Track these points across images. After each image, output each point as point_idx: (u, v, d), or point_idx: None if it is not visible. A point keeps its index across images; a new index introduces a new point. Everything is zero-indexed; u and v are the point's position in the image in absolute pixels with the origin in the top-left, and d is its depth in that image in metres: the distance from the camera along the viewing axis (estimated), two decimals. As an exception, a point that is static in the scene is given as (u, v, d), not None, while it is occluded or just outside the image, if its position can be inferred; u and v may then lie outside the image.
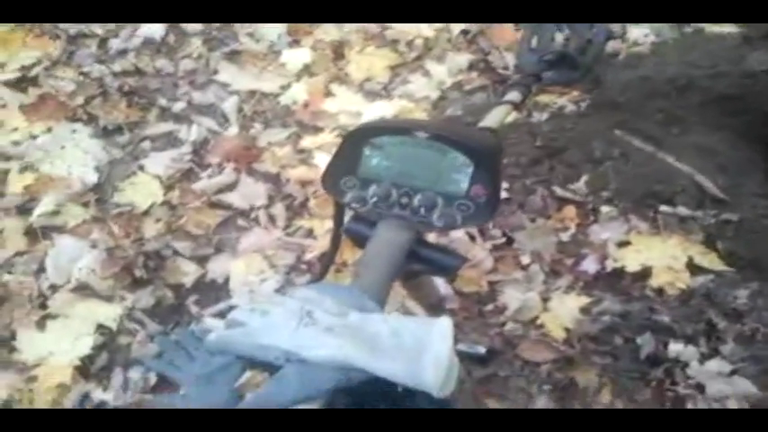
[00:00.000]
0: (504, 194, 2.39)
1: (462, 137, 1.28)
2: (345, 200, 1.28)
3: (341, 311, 1.04)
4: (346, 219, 1.34)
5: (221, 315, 2.18)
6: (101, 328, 2.13)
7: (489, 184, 1.23)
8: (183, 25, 2.92)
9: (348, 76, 2.78)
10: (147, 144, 2.58)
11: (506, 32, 2.87)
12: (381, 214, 1.26)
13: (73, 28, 2.89)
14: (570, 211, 2.36)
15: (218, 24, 2.94)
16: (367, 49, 2.86)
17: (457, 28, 2.90)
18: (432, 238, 2.07)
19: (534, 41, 2.75)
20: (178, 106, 2.69)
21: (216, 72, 2.80)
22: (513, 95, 2.33)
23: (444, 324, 1.03)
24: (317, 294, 1.07)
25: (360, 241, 1.28)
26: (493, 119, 2.17)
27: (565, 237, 2.31)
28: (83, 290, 2.20)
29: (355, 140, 1.29)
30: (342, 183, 1.28)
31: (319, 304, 1.05)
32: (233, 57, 2.85)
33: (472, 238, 2.31)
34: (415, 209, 1.24)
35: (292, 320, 1.02)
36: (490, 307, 2.18)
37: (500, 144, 1.53)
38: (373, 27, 2.91)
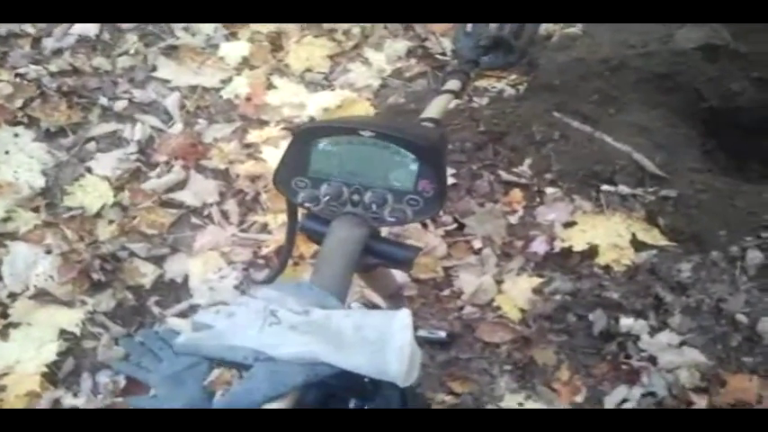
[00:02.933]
0: (451, 180, 2.47)
1: (406, 134, 1.32)
2: (298, 199, 1.32)
3: (304, 309, 1.09)
4: (301, 217, 1.37)
5: (183, 315, 2.25)
6: (64, 333, 2.17)
7: (435, 178, 1.27)
8: (117, 21, 2.96)
9: (288, 68, 2.84)
10: (92, 145, 2.61)
11: (442, 18, 2.94)
12: (335, 212, 1.30)
13: (3, 28, 2.87)
14: (516, 194, 2.46)
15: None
16: (305, 40, 2.91)
17: (392, 15, 2.95)
18: (385, 230, 2.17)
19: (469, 26, 2.84)
20: (120, 105, 2.72)
21: (155, 68, 2.84)
22: (453, 84, 2.40)
23: (404, 316, 1.08)
24: (279, 294, 1.11)
25: (316, 238, 1.32)
26: (435, 109, 2.24)
27: (513, 219, 2.41)
28: (42, 296, 2.24)
29: (303, 141, 1.32)
30: (293, 183, 1.32)
31: (282, 303, 1.09)
32: (170, 52, 2.89)
33: (424, 225, 2.39)
34: (367, 205, 1.29)
35: (257, 320, 1.07)
36: (447, 292, 2.27)
37: (443, 138, 1.59)
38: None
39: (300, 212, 1.38)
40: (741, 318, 2.13)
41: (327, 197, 1.29)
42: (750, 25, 2.72)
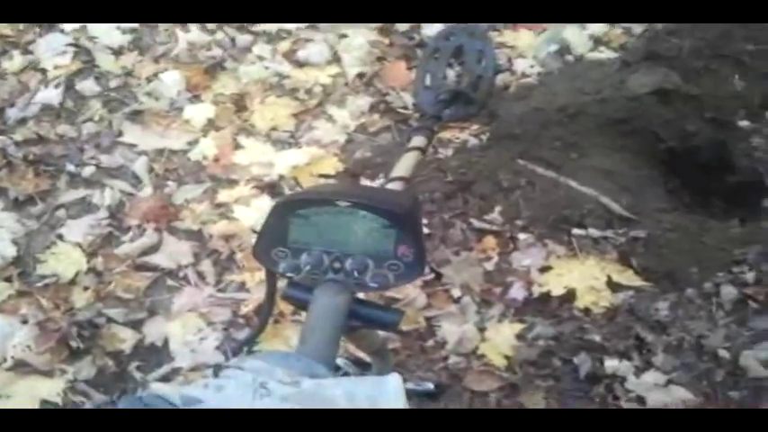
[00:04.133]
0: (425, 231, 2.41)
1: (382, 202, 1.30)
2: (279, 269, 1.29)
3: (293, 380, 1.04)
4: (283, 285, 1.33)
5: (166, 378, 2.14)
6: (46, 403, 2.06)
7: (413, 242, 1.25)
8: (80, 88, 2.85)
9: (254, 127, 2.76)
10: (62, 212, 2.51)
11: (400, 73, 2.91)
12: (316, 280, 1.26)
13: (-35, 99, 2.79)
14: (490, 241, 2.40)
15: (114, 85, 2.87)
16: (268, 100, 2.83)
17: (352, 72, 2.91)
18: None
19: (428, 80, 2.81)
20: (87, 171, 2.62)
21: (120, 133, 2.74)
22: (419, 140, 2.37)
23: (395, 381, 1.04)
24: (267, 365, 1.07)
25: (299, 305, 1.30)
26: (403, 167, 2.19)
27: (489, 266, 2.34)
28: (21, 367, 2.13)
29: (281, 213, 1.29)
30: (273, 253, 1.29)
31: (271, 374, 1.04)
32: (135, 117, 2.79)
33: (401, 276, 2.32)
34: (349, 272, 1.26)
35: (247, 393, 1.02)
36: (431, 342, 2.20)
37: (418, 202, 1.58)
38: (271, 77, 2.90)
39: (281, 280, 1.34)
40: (723, 353, 2.08)
41: (308, 266, 1.26)
42: (699, 68, 2.72)
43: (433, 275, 2.34)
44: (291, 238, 1.28)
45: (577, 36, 2.98)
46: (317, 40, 3.02)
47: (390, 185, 2.00)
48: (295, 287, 1.30)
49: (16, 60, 2.95)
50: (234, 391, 1.03)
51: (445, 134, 2.70)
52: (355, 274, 1.26)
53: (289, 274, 1.28)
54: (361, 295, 1.33)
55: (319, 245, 1.28)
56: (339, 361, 1.70)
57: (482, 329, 2.21)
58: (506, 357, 2.15)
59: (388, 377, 1.06)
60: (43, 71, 2.92)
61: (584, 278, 2.29)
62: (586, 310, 2.23)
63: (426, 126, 2.45)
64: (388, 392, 1.04)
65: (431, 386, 2.07)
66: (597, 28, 3.00)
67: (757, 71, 2.76)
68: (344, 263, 1.26)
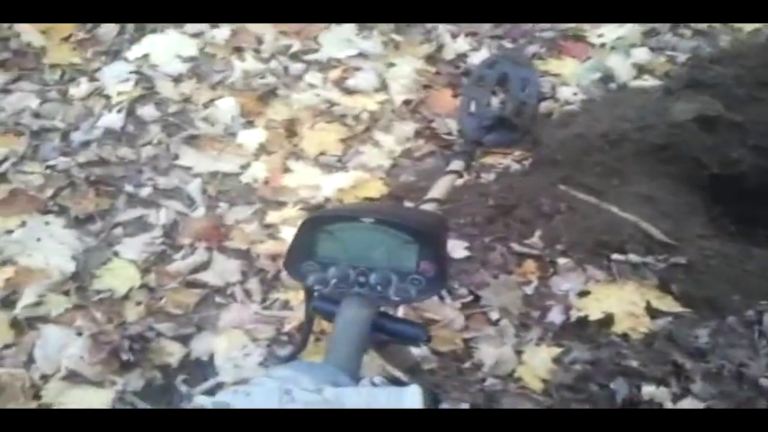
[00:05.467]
0: (465, 253, 2.36)
1: (405, 219, 1.31)
2: (308, 283, 1.29)
3: (317, 388, 1.05)
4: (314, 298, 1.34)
5: (211, 392, 2.09)
6: (95, 414, 2.04)
7: (435, 259, 1.25)
8: (141, 114, 2.84)
9: (303, 152, 2.73)
10: (119, 230, 2.49)
11: (445, 100, 2.86)
12: (343, 293, 1.26)
13: (35, 124, 2.80)
14: (530, 265, 2.33)
15: (173, 111, 2.86)
16: (317, 125, 2.80)
17: (399, 99, 2.87)
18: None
19: (473, 107, 2.77)
20: (145, 192, 2.60)
21: (177, 157, 2.72)
22: (457, 164, 2.34)
23: (414, 391, 1.05)
24: (293, 373, 1.08)
25: (328, 317, 1.28)
26: (439, 190, 2.18)
27: (528, 290, 2.28)
28: (73, 377, 2.11)
29: (310, 229, 1.30)
30: (303, 267, 1.29)
31: (296, 382, 1.05)
32: (191, 141, 2.77)
33: (441, 298, 2.27)
34: (373, 286, 1.26)
35: (273, 399, 1.03)
36: (467, 364, 2.13)
37: (442, 221, 1.59)
38: (321, 104, 2.87)
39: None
40: (764, 382, 1.99)
41: (335, 279, 1.26)
42: (742, 96, 2.64)
43: (471, 297, 2.28)
44: (320, 252, 1.28)
45: (621, 64, 2.92)
46: (365, 69, 2.99)
47: (425, 206, 1.99)
48: (323, 300, 1.30)
49: (83, 87, 2.95)
50: (260, 396, 1.04)
51: (488, 159, 2.65)
52: (379, 288, 1.26)
53: (317, 287, 1.29)
54: (389, 311, 1.34)
55: (346, 259, 1.27)
56: (376, 379, 1.66)
57: (519, 352, 2.14)
58: (543, 381, 2.08)
59: (407, 387, 1.06)
60: (107, 97, 2.92)
61: (623, 303, 2.22)
62: (624, 336, 2.16)
63: (466, 151, 2.42)
64: (405, 402, 1.04)
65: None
66: (641, 56, 2.95)
67: (799, 98, 2.69)
68: (369, 277, 1.26)
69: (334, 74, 2.99)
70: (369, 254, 1.29)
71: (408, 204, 2.50)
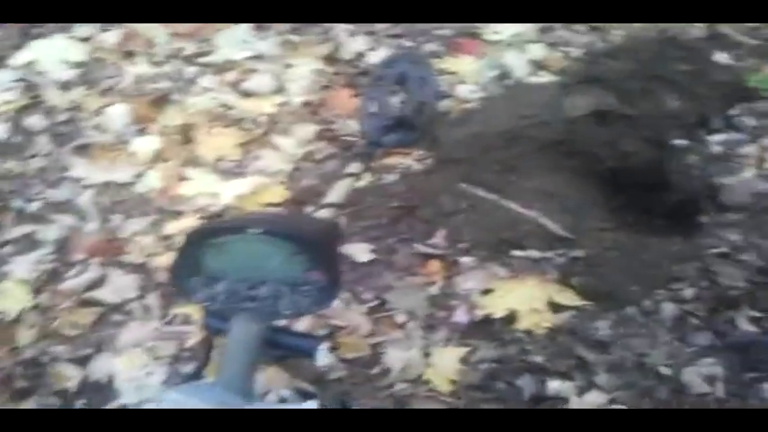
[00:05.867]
0: (370, 256, 2.33)
1: (292, 229, 1.28)
2: (196, 299, 1.26)
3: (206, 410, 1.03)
4: (203, 314, 1.30)
5: (111, 415, 2.03)
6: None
7: (325, 268, 1.23)
8: (27, 124, 2.72)
9: (200, 158, 2.64)
10: (8, 249, 2.38)
11: (345, 101, 2.80)
12: (233, 309, 1.23)
13: None
14: (434, 265, 2.31)
15: (62, 120, 2.75)
16: (214, 130, 2.72)
17: (298, 101, 2.81)
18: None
19: (373, 107, 2.73)
20: (34, 206, 2.49)
21: (67, 168, 2.61)
22: (354, 167, 2.31)
23: (310, 406, 1.08)
24: (183, 397, 1.06)
25: (220, 333, 1.25)
26: (337, 194, 2.15)
27: (433, 291, 2.25)
28: (-36, 408, 2.00)
29: (195, 242, 1.25)
30: (190, 283, 1.25)
31: (186, 406, 1.03)
32: (82, 151, 2.67)
33: (347, 303, 2.23)
34: (263, 299, 1.23)
35: None
36: (376, 370, 2.10)
37: (332, 228, 1.57)
38: (217, 108, 2.79)
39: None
40: (665, 370, 2.01)
41: (224, 295, 1.23)
42: (635, 90, 2.65)
43: (377, 301, 2.24)
44: (207, 267, 1.24)
45: (517, 61, 2.90)
46: (262, 70, 2.92)
47: (323, 211, 1.94)
48: (213, 316, 1.27)
49: (-36, 98, 2.83)
50: None
51: (390, 160, 2.61)
52: (269, 301, 1.23)
53: (205, 304, 1.25)
54: (284, 324, 1.31)
55: (235, 273, 1.24)
56: (283, 392, 1.62)
57: (427, 354, 2.11)
58: (452, 382, 2.05)
59: (304, 403, 1.12)
60: (-10, 107, 2.81)
61: (525, 300, 2.21)
62: (528, 332, 2.15)
63: (363, 153, 2.39)
64: None
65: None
66: (537, 52, 2.93)
67: (691, 91, 2.70)
68: (259, 290, 1.23)
69: (231, 76, 2.91)
70: (257, 267, 1.25)
71: (308, 209, 2.46)
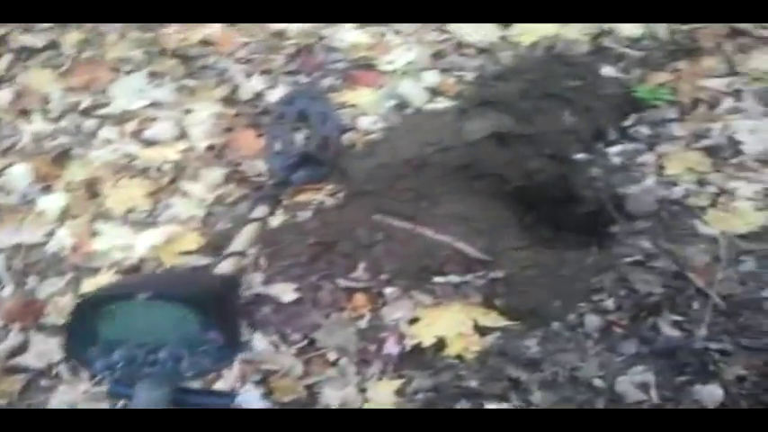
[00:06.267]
0: (294, 296, 2.30)
1: (183, 290, 1.27)
2: (95, 370, 1.24)
3: None
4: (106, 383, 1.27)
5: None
6: None
7: (222, 325, 1.22)
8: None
9: (109, 212, 2.59)
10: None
11: (250, 141, 2.79)
12: (133, 376, 1.21)
13: None
14: (359, 298, 2.30)
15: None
16: (120, 182, 2.67)
17: (201, 145, 2.78)
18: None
19: (278, 145, 2.73)
20: (-57, 275, 2.41)
21: (-26, 234, 2.54)
22: (260, 210, 2.28)
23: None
24: None
25: (127, 399, 1.23)
26: (241, 242, 2.10)
27: (362, 324, 2.24)
28: None
29: (87, 313, 1.23)
30: (87, 354, 1.22)
31: None
32: (-13, 215, 2.60)
33: (276, 347, 2.21)
34: (163, 363, 1.20)
35: None
36: (314, 411, 2.09)
37: (226, 282, 1.55)
38: (121, 159, 2.74)
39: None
40: (598, 382, 2.03)
41: (123, 362, 1.21)
42: (530, 109, 2.71)
43: (306, 341, 2.22)
44: (102, 336, 1.22)
45: (413, 89, 2.94)
46: (162, 118, 2.88)
47: (226, 262, 1.90)
48: (118, 384, 1.24)
49: None
50: None
51: (302, 197, 2.60)
52: (170, 364, 1.20)
53: (105, 373, 1.23)
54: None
55: (132, 339, 1.21)
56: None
57: (363, 390, 2.10)
58: (391, 415, 2.06)
59: None
60: None
61: (452, 325, 2.21)
62: (459, 357, 2.15)
63: (268, 195, 2.36)
64: None
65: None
66: (431, 78, 2.98)
67: (583, 106, 2.78)
68: (158, 355, 1.20)
69: (130, 126, 2.87)
70: (153, 331, 1.22)
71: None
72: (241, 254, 2.01)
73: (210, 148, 2.79)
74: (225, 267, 1.98)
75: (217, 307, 1.26)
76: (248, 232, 2.13)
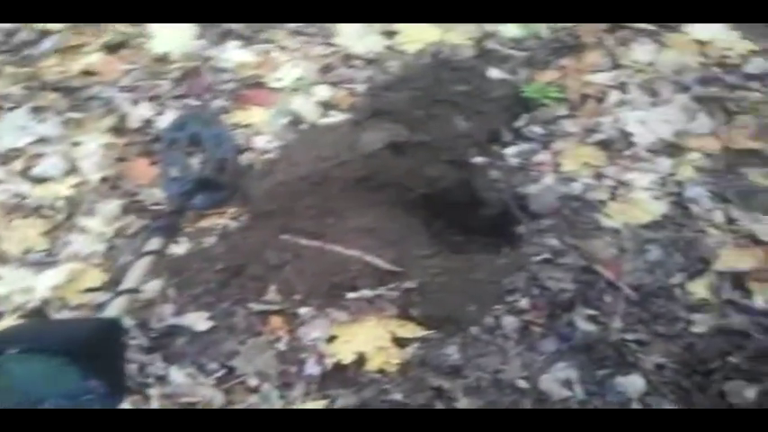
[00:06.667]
0: (208, 324, 2.28)
1: (57, 340, 1.21)
2: None
3: None
4: None
5: None
6: None
7: (103, 372, 1.18)
8: None
9: (5, 254, 2.50)
10: None
11: (144, 170, 2.73)
12: None
13: None
14: (275, 321, 2.28)
15: None
16: (14, 223, 2.58)
17: (95, 178, 2.70)
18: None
19: (174, 172, 2.67)
20: None
21: None
22: (154, 243, 2.21)
23: None
24: None
25: None
26: (133, 278, 2.02)
27: (281, 346, 2.23)
28: None
29: None
30: None
31: None
32: None
33: (193, 377, 2.17)
34: None
35: None
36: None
37: (110, 326, 1.48)
38: (11, 199, 2.63)
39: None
40: (522, 383, 2.06)
41: None
42: (422, 116, 2.70)
43: (225, 370, 2.19)
44: None
45: (305, 104, 2.92)
46: (49, 153, 2.79)
47: (118, 300, 1.84)
48: None
49: None
50: None
51: (205, 222, 2.57)
52: None
53: None
54: None
55: (9, 395, 1.16)
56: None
57: (289, 413, 2.09)
58: (320, 437, 2.04)
59: None
60: None
61: (370, 340, 2.22)
62: (381, 371, 2.15)
63: (163, 226, 2.30)
64: None
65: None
66: (323, 93, 2.96)
67: (474, 109, 2.80)
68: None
69: (18, 165, 2.76)
70: (32, 385, 1.17)
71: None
72: (134, 291, 1.94)
73: (104, 180, 2.72)
74: (117, 306, 1.91)
75: (96, 354, 1.21)
76: (140, 267, 2.06)
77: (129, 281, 1.97)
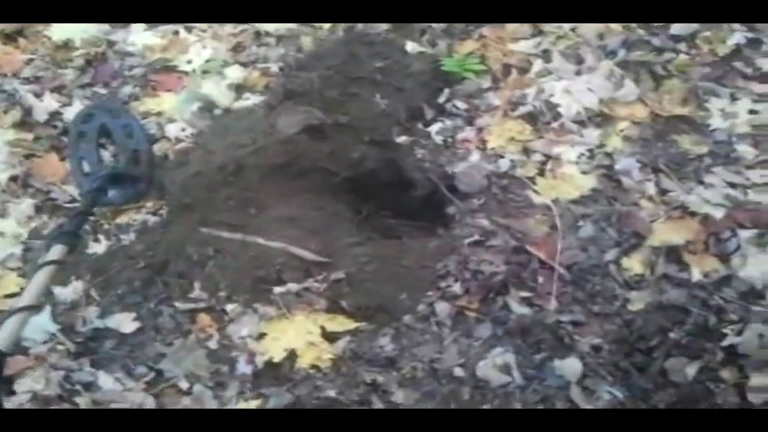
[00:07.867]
0: (135, 325, 2.22)
1: None
2: None
3: None
4: None
5: None
6: None
7: None
8: None
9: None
10: None
11: (55, 166, 2.64)
12: None
13: None
14: (203, 319, 2.23)
15: None
16: None
17: (2, 177, 2.59)
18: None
19: (86, 166, 2.58)
20: None
21: None
22: (56, 251, 2.10)
23: None
24: None
25: None
26: (30, 294, 1.91)
27: (213, 345, 2.18)
28: None
29: None
30: None
31: None
32: None
33: (122, 383, 2.10)
34: None
35: None
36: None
37: None
38: None
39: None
40: (459, 371, 2.05)
41: None
42: (338, 96, 2.68)
43: (154, 374, 2.13)
44: None
45: (217, 87, 2.85)
46: (-52, 155, 2.68)
47: (16, 317, 1.77)
48: None
49: None
50: None
51: (122, 218, 2.50)
52: None
53: None
54: None
55: None
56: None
57: (224, 415, 2.05)
58: (256, 436, 2.00)
59: None
60: None
61: (300, 335, 2.18)
62: (315, 367, 2.12)
63: (66, 231, 2.20)
64: None
65: None
66: (235, 74, 2.89)
67: (393, 86, 2.78)
68: None
69: None
70: None
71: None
72: (32, 308, 1.85)
73: (13, 179, 2.62)
74: (9, 328, 1.83)
75: None
76: (39, 280, 1.95)
77: (26, 297, 1.87)
